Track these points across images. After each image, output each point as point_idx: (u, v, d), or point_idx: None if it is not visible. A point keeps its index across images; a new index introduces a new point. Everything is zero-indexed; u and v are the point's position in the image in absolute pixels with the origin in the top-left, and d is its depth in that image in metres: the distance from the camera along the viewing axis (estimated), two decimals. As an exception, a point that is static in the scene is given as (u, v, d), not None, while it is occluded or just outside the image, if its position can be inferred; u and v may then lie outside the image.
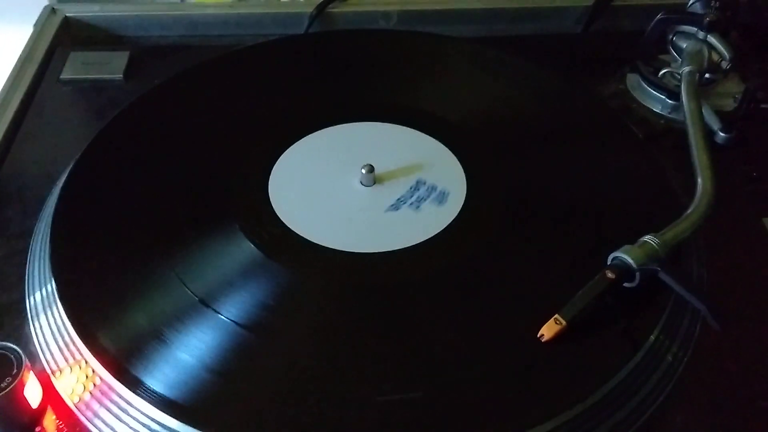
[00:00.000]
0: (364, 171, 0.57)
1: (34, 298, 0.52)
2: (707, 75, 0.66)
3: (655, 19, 0.67)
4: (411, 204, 0.55)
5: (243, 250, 0.52)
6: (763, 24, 0.74)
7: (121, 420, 0.45)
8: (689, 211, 0.52)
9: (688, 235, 0.51)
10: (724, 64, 0.65)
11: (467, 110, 0.64)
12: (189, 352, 0.46)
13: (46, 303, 0.50)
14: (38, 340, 0.50)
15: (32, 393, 0.45)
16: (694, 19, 0.65)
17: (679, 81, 0.64)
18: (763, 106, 0.65)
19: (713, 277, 0.54)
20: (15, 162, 0.64)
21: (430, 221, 0.54)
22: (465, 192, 0.57)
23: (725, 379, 0.48)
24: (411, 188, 0.57)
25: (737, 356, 0.49)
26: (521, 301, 0.50)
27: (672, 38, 0.68)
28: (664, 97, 0.66)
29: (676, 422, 0.46)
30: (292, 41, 0.74)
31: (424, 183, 0.56)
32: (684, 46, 0.66)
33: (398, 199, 0.56)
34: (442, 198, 0.55)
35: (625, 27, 0.81)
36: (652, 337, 0.47)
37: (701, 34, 0.65)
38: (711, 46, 0.65)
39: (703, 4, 0.66)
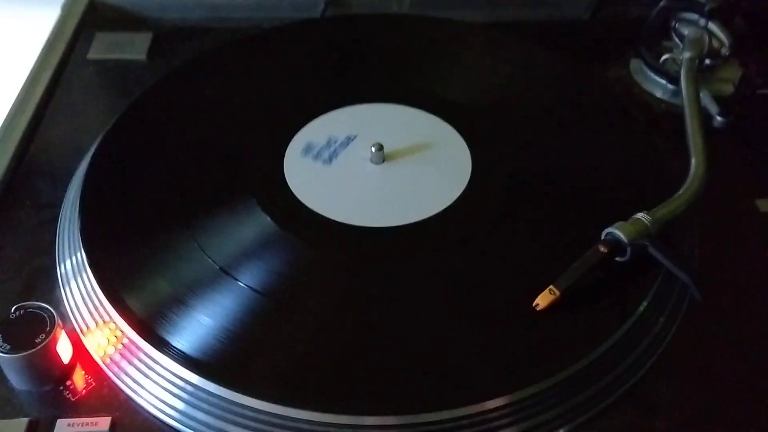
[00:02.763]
0: (373, 149, 0.60)
1: (65, 265, 0.55)
2: (707, 61, 0.68)
3: (658, 6, 0.69)
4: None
5: (260, 222, 0.56)
6: (766, 10, 0.76)
7: (146, 375, 0.48)
8: (681, 191, 0.54)
9: (679, 214, 0.53)
10: (724, 51, 0.67)
11: (474, 93, 0.67)
12: (209, 314, 0.50)
13: (76, 270, 0.54)
14: (68, 303, 0.53)
15: (63, 349, 0.49)
16: (695, 7, 0.68)
17: (680, 67, 0.66)
18: (760, 91, 0.67)
19: (705, 256, 0.56)
20: (44, 137, 0.67)
21: (436, 198, 0.57)
22: (470, 170, 0.60)
23: (710, 351, 0.51)
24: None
25: (724, 331, 0.52)
26: (520, 272, 0.53)
27: (675, 25, 0.70)
28: (664, 82, 0.69)
29: (661, 389, 0.49)
30: (306, 25, 0.77)
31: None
32: (686, 32, 0.68)
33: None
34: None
35: (633, 13, 0.82)
36: (641, 308, 0.50)
37: (702, 21, 0.67)
38: (712, 33, 0.67)
39: (706, -9, 0.69)
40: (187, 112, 0.66)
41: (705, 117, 0.63)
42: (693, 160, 0.57)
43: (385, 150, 0.60)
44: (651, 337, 0.51)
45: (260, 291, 0.51)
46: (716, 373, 0.50)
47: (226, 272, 0.52)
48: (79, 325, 0.52)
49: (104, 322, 0.51)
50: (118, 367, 0.49)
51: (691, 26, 0.68)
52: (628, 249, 0.51)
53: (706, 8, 0.67)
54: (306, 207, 0.57)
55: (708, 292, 0.49)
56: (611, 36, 0.79)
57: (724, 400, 0.49)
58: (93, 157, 0.61)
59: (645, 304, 0.50)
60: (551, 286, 0.50)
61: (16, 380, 0.48)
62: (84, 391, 0.49)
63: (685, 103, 0.62)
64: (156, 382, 0.48)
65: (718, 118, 0.65)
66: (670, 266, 0.49)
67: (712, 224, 0.59)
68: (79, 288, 0.53)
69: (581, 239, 0.53)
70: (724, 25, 0.67)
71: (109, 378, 0.49)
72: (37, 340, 0.47)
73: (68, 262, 0.55)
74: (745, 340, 0.52)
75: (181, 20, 0.83)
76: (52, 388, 0.49)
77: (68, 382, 0.49)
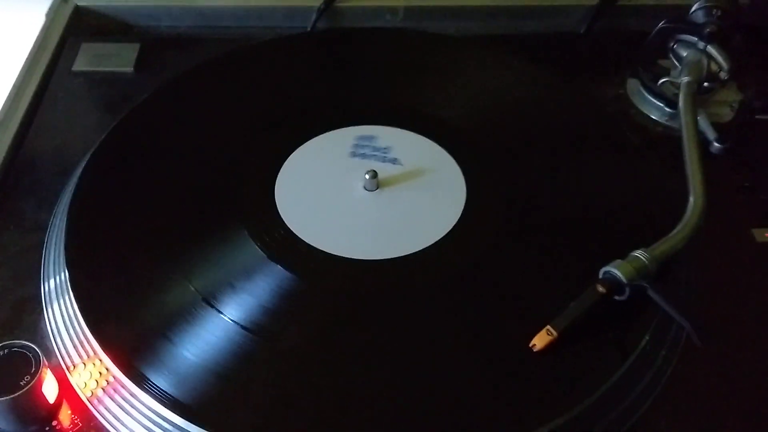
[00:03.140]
0: (367, 176, 0.58)
1: (50, 297, 0.54)
2: (705, 84, 0.67)
3: (657, 28, 0.68)
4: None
5: (249, 253, 0.54)
6: (765, 26, 0.75)
7: (131, 416, 0.47)
8: (680, 226, 0.54)
9: (678, 251, 0.53)
10: (723, 75, 0.66)
11: (467, 113, 0.66)
12: (194, 352, 0.49)
13: (62, 303, 0.53)
14: (54, 337, 0.52)
15: (49, 389, 0.48)
16: (694, 29, 0.67)
17: (678, 90, 0.66)
18: (758, 117, 0.67)
19: (701, 285, 0.56)
20: (29, 155, 0.65)
21: (429, 228, 0.56)
22: (465, 197, 0.59)
23: (710, 383, 0.51)
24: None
25: (723, 362, 0.52)
26: (517, 308, 0.52)
27: (673, 46, 0.69)
28: (662, 105, 0.68)
29: (660, 427, 0.49)
30: (297, 40, 0.75)
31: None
32: (684, 54, 0.68)
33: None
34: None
35: (629, 27, 0.82)
36: (642, 343, 0.50)
37: (701, 44, 0.66)
38: (710, 57, 0.66)
39: (705, 12, 0.67)
40: (175, 131, 0.64)
41: (702, 142, 0.63)
42: (691, 194, 0.56)
43: (379, 176, 0.59)
44: (651, 373, 0.50)
45: (247, 327, 0.50)
46: (716, 409, 0.50)
47: (212, 306, 0.51)
48: (64, 361, 0.51)
49: (89, 357, 0.50)
50: (104, 406, 0.48)
51: (689, 48, 0.67)
52: (627, 289, 0.50)
53: (706, 31, 0.65)
54: (298, 238, 0.55)
55: (707, 339, 0.48)
56: (607, 50, 0.78)
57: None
58: (79, 180, 0.60)
59: (646, 338, 0.50)
60: (548, 327, 0.49)
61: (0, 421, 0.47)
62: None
63: (684, 132, 0.61)
64: (139, 422, 0.47)
65: (716, 144, 0.64)
66: (669, 311, 0.48)
67: (709, 253, 0.58)
68: (64, 321, 0.52)
69: (580, 270, 0.53)
70: (723, 48, 0.66)
71: (95, 419, 0.48)
72: (22, 383, 0.46)
73: (53, 294, 0.54)
74: (743, 374, 0.51)
75: (168, 28, 0.81)
76: (37, 429, 0.48)
77: (54, 422, 0.48)
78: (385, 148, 0.62)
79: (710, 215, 0.57)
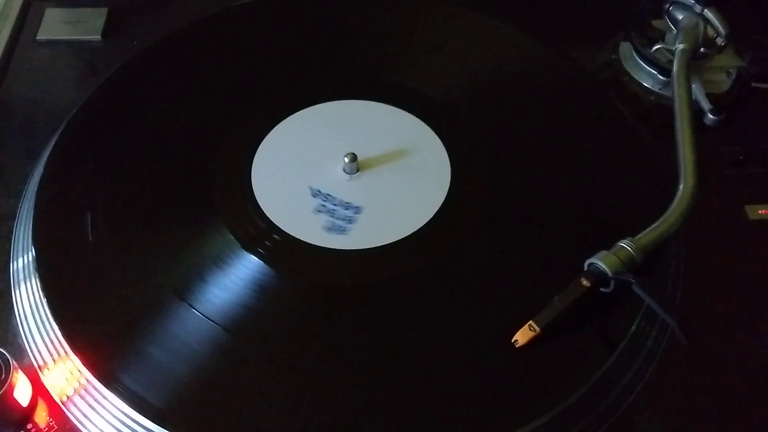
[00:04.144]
0: (346, 160, 0.56)
1: (19, 292, 0.52)
2: (702, 49, 0.64)
3: (652, -11, 0.65)
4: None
5: (225, 244, 0.53)
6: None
7: (102, 416, 0.47)
8: (667, 213, 0.52)
9: (667, 238, 0.51)
10: (719, 41, 0.63)
11: (451, 86, 0.63)
12: (165, 349, 0.48)
13: (32, 300, 0.51)
14: (25, 335, 0.51)
15: (22, 393, 0.47)
16: (691, -8, 0.63)
17: (672, 57, 0.63)
18: (754, 85, 0.64)
19: (692, 266, 0.55)
20: (-6, 136, 0.63)
21: (411, 214, 0.54)
22: (449, 179, 0.56)
23: (696, 374, 0.50)
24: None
25: (709, 351, 0.51)
26: (501, 300, 0.51)
27: (668, 8, 0.65)
28: (655, 72, 0.65)
29: (645, 419, 0.48)
30: (274, 4, 0.71)
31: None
32: (680, 18, 0.64)
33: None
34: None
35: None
36: (631, 330, 0.49)
37: (698, 8, 0.63)
38: (707, 21, 0.63)
39: (703, -27, 0.64)
40: (144, 110, 0.62)
41: (696, 112, 0.60)
42: (682, 178, 0.54)
43: (359, 158, 0.57)
44: (636, 367, 0.49)
45: (221, 324, 0.49)
46: (700, 401, 0.49)
47: (184, 300, 0.50)
48: (36, 361, 0.50)
49: (59, 356, 0.49)
50: (78, 408, 0.48)
51: (685, 11, 0.64)
52: (612, 282, 0.48)
53: (704, -7, 0.62)
54: (277, 227, 0.53)
55: (693, 336, 0.47)
56: (600, 10, 0.74)
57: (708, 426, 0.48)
58: (46, 165, 0.57)
59: (631, 331, 0.49)
60: (531, 322, 0.48)
61: (-28, 428, 0.47)
62: (46, 435, 0.47)
63: (677, 105, 0.59)
64: (112, 424, 0.46)
65: (710, 115, 0.61)
66: (655, 307, 0.47)
67: (700, 234, 0.56)
68: (34, 318, 0.51)
69: (567, 257, 0.51)
70: (721, 12, 0.62)
71: (71, 421, 0.48)
72: (-8, 389, 0.45)
73: (22, 287, 0.53)
74: (730, 361, 0.51)
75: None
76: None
77: (29, 426, 0.47)
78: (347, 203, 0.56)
79: (701, 193, 0.55)
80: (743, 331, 0.52)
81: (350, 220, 0.54)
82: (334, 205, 0.55)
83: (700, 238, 0.56)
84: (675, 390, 0.49)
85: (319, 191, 0.56)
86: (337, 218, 0.54)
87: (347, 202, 0.55)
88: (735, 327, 0.52)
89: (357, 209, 0.55)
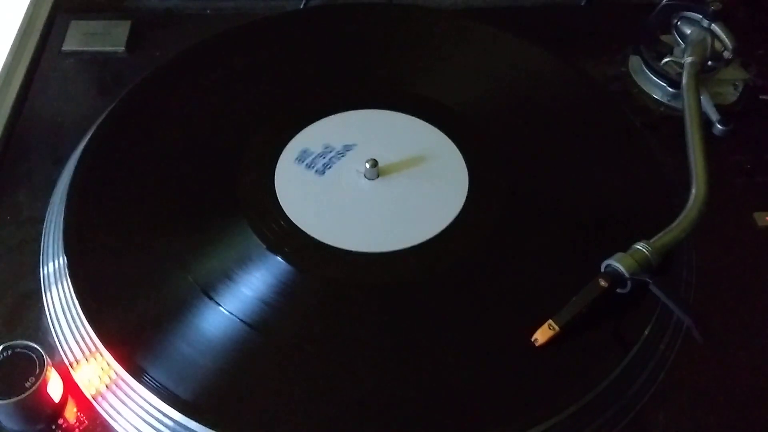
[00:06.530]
0: (368, 165, 0.58)
1: (50, 292, 0.54)
2: (709, 62, 0.66)
3: (660, 5, 0.67)
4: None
5: (249, 245, 0.54)
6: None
7: (133, 411, 0.48)
8: (681, 216, 0.53)
9: (680, 240, 0.53)
10: (727, 54, 0.65)
11: (468, 96, 0.65)
12: (197, 347, 0.49)
13: (62, 298, 0.52)
14: (56, 333, 0.52)
15: (54, 389, 0.48)
16: (699, 6, 0.65)
17: (681, 69, 0.65)
18: (762, 97, 0.66)
19: (702, 272, 0.56)
20: (22, 143, 0.64)
21: (431, 219, 0.56)
22: (467, 186, 0.58)
23: (710, 375, 0.51)
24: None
25: (723, 354, 0.52)
26: (519, 301, 0.52)
27: (676, 23, 0.68)
28: (665, 84, 0.67)
29: (658, 419, 0.49)
30: (294, 17, 0.73)
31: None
32: (688, 32, 0.66)
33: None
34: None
35: (632, -1, 0.80)
36: (644, 335, 0.50)
37: (705, 22, 0.65)
38: (714, 35, 0.65)
39: (710, -12, 0.66)
40: (171, 117, 0.63)
41: (704, 122, 0.62)
42: (694, 183, 0.55)
43: (379, 165, 0.58)
44: (651, 366, 0.50)
45: (246, 321, 0.50)
46: (715, 402, 0.50)
47: (210, 297, 0.51)
48: (67, 358, 0.51)
49: (90, 352, 0.50)
50: (108, 402, 0.49)
51: (693, 26, 0.66)
52: (629, 282, 0.50)
53: (711, 8, 0.64)
54: (299, 229, 0.55)
55: (709, 336, 0.49)
56: (609, 24, 0.76)
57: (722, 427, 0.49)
58: (75, 168, 0.59)
59: (647, 332, 0.50)
60: (550, 321, 0.49)
61: (6, 422, 0.47)
62: (77, 430, 0.48)
63: (687, 115, 0.61)
64: (142, 417, 0.47)
65: (719, 126, 0.63)
66: (672, 306, 0.48)
67: (710, 239, 0.58)
68: (66, 317, 0.52)
69: (584, 260, 0.52)
70: (728, 26, 0.64)
71: (101, 416, 0.49)
72: (27, 384, 0.46)
73: (54, 289, 0.54)
74: (743, 366, 0.52)
75: (159, 2, 0.78)
76: (43, 428, 0.48)
77: (60, 420, 0.49)
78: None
79: (711, 199, 0.56)
80: (754, 335, 0.53)
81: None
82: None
83: (710, 246, 0.58)
84: (689, 391, 0.51)
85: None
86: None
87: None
88: (746, 331, 0.53)
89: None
